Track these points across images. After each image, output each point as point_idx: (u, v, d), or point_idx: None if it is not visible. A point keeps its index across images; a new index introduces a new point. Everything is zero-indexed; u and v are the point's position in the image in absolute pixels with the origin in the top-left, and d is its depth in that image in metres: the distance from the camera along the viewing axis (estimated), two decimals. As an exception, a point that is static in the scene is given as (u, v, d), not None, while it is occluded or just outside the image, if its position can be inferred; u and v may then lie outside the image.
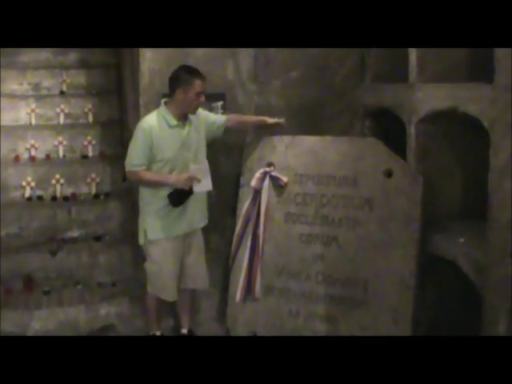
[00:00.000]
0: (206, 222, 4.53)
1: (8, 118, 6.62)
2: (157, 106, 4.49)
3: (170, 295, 4.41)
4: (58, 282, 5.33)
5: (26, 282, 5.19)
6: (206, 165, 4.29)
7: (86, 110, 6.80)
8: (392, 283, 4.15)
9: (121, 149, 6.34)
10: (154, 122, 4.16)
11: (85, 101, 6.85)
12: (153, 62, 4.64)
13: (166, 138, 4.17)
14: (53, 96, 6.89)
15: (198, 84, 4.13)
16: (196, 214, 4.39)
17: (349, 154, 4.43)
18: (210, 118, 4.50)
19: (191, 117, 4.29)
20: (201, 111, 4.39)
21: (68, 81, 7.01)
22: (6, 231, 5.73)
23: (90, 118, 6.78)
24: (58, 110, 6.71)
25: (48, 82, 7.02)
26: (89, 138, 6.49)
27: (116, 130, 6.66)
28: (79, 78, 7.07)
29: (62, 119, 6.70)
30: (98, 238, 5.70)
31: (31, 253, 5.47)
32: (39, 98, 6.81)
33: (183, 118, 4.25)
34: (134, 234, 4.51)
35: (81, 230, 5.84)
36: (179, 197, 4.18)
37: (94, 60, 7.25)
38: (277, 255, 4.56)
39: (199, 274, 4.55)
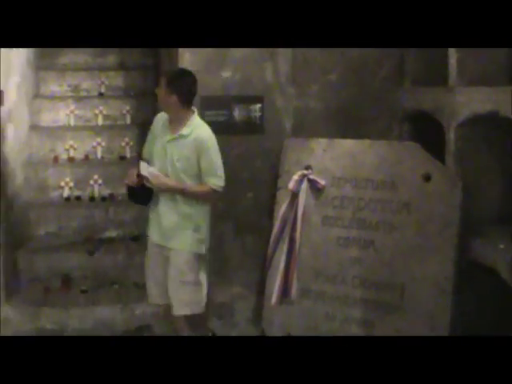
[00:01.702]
0: (196, 249, 4.12)
1: (47, 119, 6.71)
2: (196, 107, 4.53)
3: (150, 297, 4.36)
4: (94, 282, 5.38)
5: (64, 281, 5.26)
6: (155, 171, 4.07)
7: (124, 111, 6.82)
8: (429, 288, 4.11)
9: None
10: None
11: (123, 102, 6.88)
12: (191, 64, 4.63)
13: (160, 134, 4.12)
14: (91, 97, 6.95)
15: (159, 80, 4.12)
16: (171, 230, 4.09)
17: (387, 157, 4.41)
18: (203, 159, 4.02)
19: (185, 129, 4.02)
20: (207, 134, 4.06)
21: (106, 82, 7.06)
22: (44, 230, 5.82)
23: (128, 120, 6.81)
24: (96, 111, 6.74)
25: (87, 83, 7.08)
26: (126, 139, 6.51)
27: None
28: (118, 79, 7.12)
29: (100, 120, 6.74)
30: (134, 239, 5.74)
31: (69, 252, 5.54)
32: (78, 99, 6.87)
33: (176, 123, 4.06)
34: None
35: (118, 230, 5.89)
36: (128, 191, 4.19)
37: (132, 62, 7.30)
38: (313, 258, 4.55)
39: (176, 298, 4.13)
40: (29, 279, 5.35)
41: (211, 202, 4.21)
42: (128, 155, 6.49)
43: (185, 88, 4.02)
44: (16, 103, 5.79)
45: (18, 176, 5.78)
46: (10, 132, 5.49)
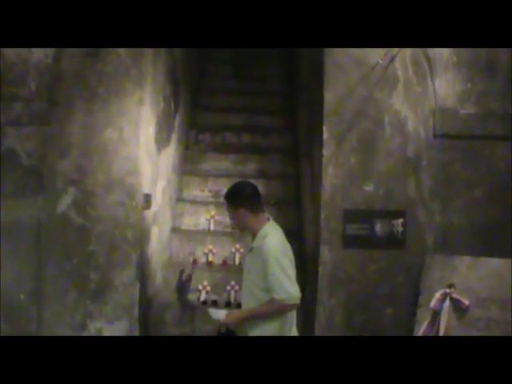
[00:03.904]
0: None
1: (189, 222, 6.93)
2: (337, 220, 4.53)
3: None
4: None
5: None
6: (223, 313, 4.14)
7: (263, 219, 6.91)
8: None
9: (298, 260, 6.38)
10: None
11: (263, 210, 6.99)
12: (335, 177, 4.70)
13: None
14: (232, 204, 7.10)
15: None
16: None
17: (537, 279, 4.19)
18: (268, 272, 3.75)
19: (256, 242, 3.89)
20: (269, 246, 3.77)
21: (247, 189, 7.22)
22: (180, 332, 5.84)
23: (268, 228, 6.88)
24: (236, 218, 6.87)
25: (228, 189, 7.27)
26: (264, 247, 6.57)
27: (294, 241, 6.68)
28: (258, 187, 7.24)
29: (240, 227, 6.85)
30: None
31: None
32: (219, 205, 7.02)
33: (254, 237, 3.94)
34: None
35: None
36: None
37: (272, 170, 7.45)
38: (455, 383, 4.32)
39: None
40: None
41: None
42: (265, 263, 6.52)
43: (248, 196, 3.99)
44: (161, 206, 6.04)
45: (158, 276, 5.95)
46: (154, 234, 5.71)
